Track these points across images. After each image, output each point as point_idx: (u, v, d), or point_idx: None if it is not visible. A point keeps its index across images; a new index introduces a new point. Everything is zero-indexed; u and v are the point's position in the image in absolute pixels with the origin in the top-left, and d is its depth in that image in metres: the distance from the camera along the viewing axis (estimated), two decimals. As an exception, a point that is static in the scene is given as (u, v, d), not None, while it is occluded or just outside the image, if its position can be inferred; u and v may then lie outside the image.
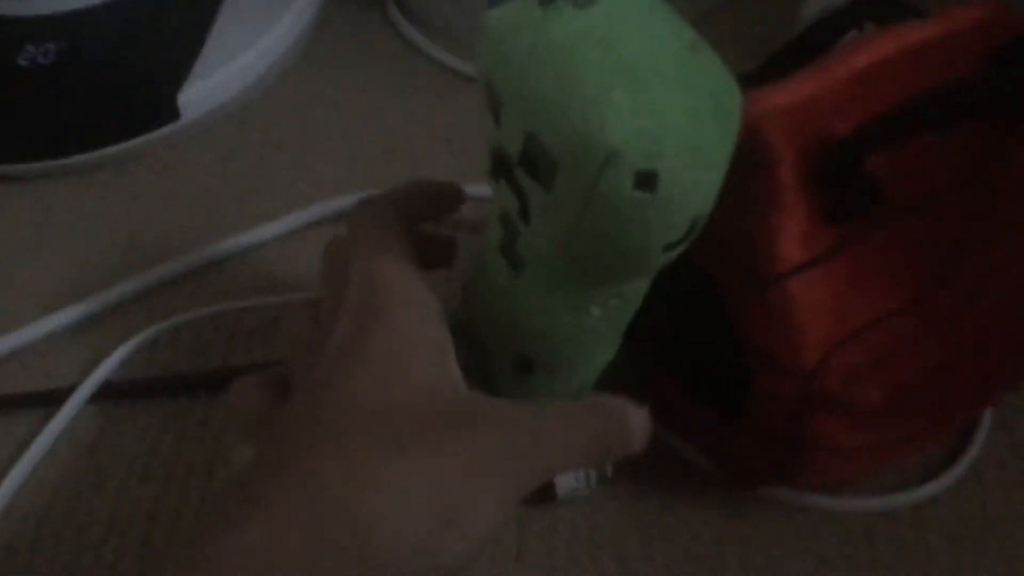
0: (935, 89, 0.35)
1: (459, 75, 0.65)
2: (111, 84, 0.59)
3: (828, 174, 0.35)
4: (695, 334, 0.40)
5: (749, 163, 0.35)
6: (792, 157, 0.35)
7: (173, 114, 0.59)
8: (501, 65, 0.31)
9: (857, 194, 0.35)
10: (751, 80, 0.35)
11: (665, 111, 0.30)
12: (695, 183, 0.30)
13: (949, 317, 0.37)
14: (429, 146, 0.61)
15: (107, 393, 0.49)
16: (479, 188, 0.55)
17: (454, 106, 0.63)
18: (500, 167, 0.33)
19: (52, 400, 0.49)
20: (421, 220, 0.39)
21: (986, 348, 0.39)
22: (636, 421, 0.35)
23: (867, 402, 0.35)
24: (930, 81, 0.37)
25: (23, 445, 0.47)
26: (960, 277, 0.38)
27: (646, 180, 0.29)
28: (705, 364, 0.40)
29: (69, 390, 0.49)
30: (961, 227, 0.38)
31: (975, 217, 0.38)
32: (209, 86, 0.60)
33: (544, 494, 0.43)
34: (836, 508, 0.43)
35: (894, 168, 0.36)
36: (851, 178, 0.35)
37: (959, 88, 0.35)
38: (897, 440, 0.39)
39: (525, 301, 0.36)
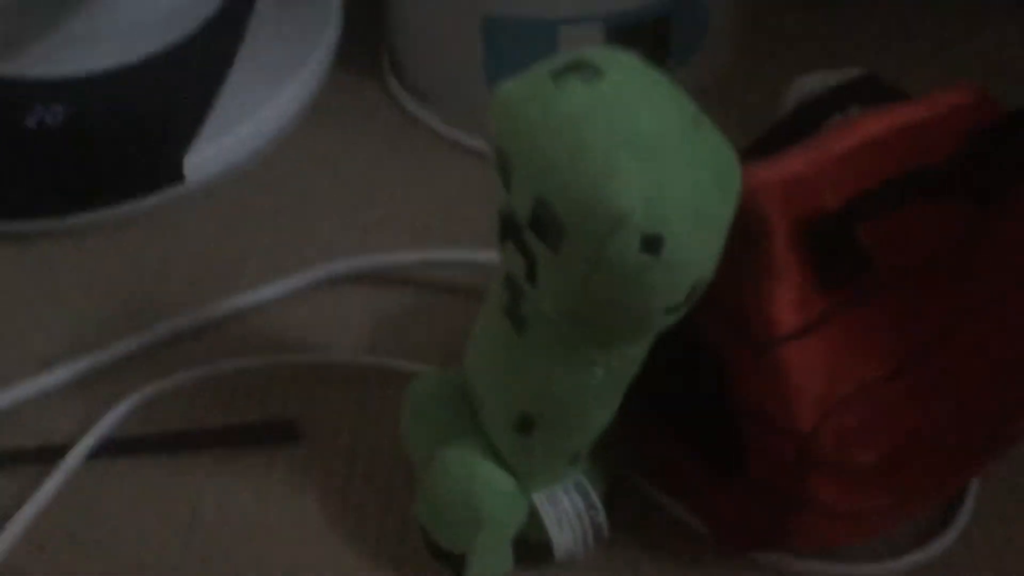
0: (918, 168, 0.37)
1: (456, 146, 0.67)
2: (117, 146, 0.60)
3: (820, 244, 0.37)
4: (692, 394, 0.41)
5: (745, 233, 0.37)
6: (785, 228, 0.37)
7: (178, 176, 0.60)
8: (513, 133, 0.33)
9: (848, 262, 0.37)
10: (743, 157, 0.37)
11: (670, 179, 0.31)
12: (698, 247, 0.32)
13: (935, 386, 0.39)
14: (427, 213, 0.62)
15: (106, 450, 0.50)
16: (475, 254, 0.58)
17: (451, 175, 0.65)
18: (509, 230, 0.35)
19: (50, 456, 0.49)
20: None
21: (973, 418, 0.40)
22: None
23: (860, 463, 0.36)
24: (915, 159, 0.39)
25: (20, 500, 0.47)
26: (947, 347, 0.39)
27: (652, 243, 0.31)
28: (701, 423, 0.42)
29: (67, 446, 0.49)
30: (947, 298, 0.39)
31: (960, 289, 0.39)
32: (215, 150, 0.61)
33: (541, 555, 0.43)
34: (828, 573, 0.44)
35: (882, 239, 0.37)
36: (842, 247, 0.37)
37: (941, 169, 0.37)
38: (889, 505, 0.40)
39: (528, 360, 0.38)
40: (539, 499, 0.42)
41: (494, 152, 0.34)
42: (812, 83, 0.46)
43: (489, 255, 0.53)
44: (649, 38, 0.64)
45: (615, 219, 0.31)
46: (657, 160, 0.31)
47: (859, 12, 0.75)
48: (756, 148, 0.41)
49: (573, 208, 0.31)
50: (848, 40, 0.73)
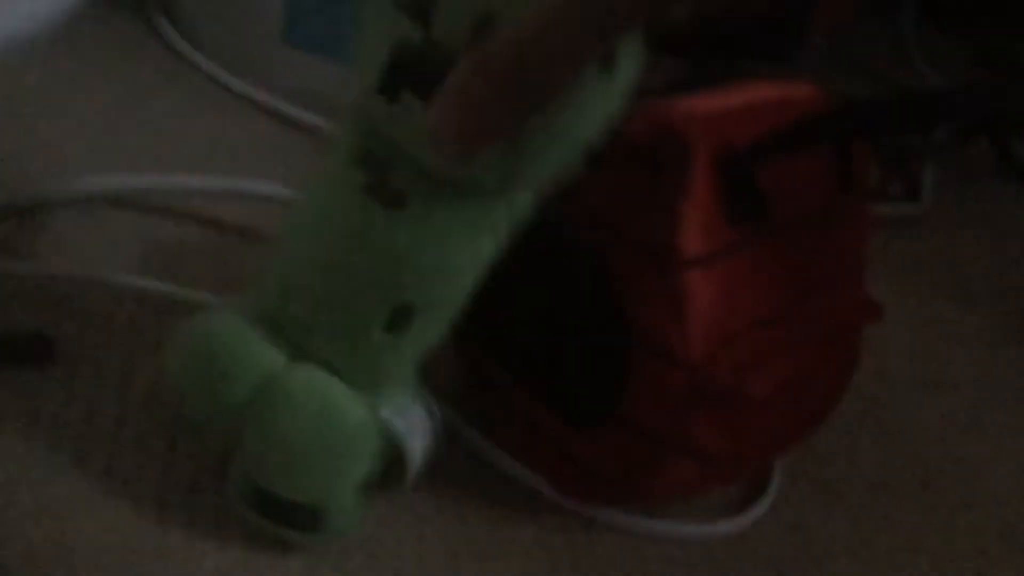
0: (812, 117, 0.40)
1: (218, 83, 0.64)
2: None
3: (729, 178, 0.37)
4: (570, 325, 0.39)
5: (666, 156, 0.37)
6: (704, 157, 0.37)
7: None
8: None
9: (750, 200, 0.38)
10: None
11: None
12: None
13: (800, 338, 0.40)
14: (191, 145, 0.58)
15: None
16: (248, 184, 0.54)
17: (216, 111, 0.61)
18: (410, 72, 0.31)
19: None
20: None
21: (821, 376, 0.42)
22: None
23: (753, 395, 0.37)
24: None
25: None
26: (805, 307, 0.41)
27: None
28: (570, 362, 0.40)
29: None
30: (813, 261, 0.41)
31: (820, 256, 0.42)
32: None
33: (391, 480, 0.38)
34: (659, 531, 0.43)
35: (777, 189, 0.39)
36: (746, 185, 0.38)
37: (837, 112, 0.40)
38: (750, 452, 0.40)
39: (414, 239, 0.34)
40: (389, 414, 0.37)
41: None
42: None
43: (260, 187, 0.54)
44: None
45: None
46: None
47: None
48: (665, 91, 0.41)
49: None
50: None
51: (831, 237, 0.42)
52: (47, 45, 0.61)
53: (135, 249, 0.50)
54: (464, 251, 0.34)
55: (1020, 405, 0.57)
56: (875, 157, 0.72)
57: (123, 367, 0.44)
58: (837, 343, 0.43)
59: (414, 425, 0.37)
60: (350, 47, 0.34)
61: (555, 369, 0.41)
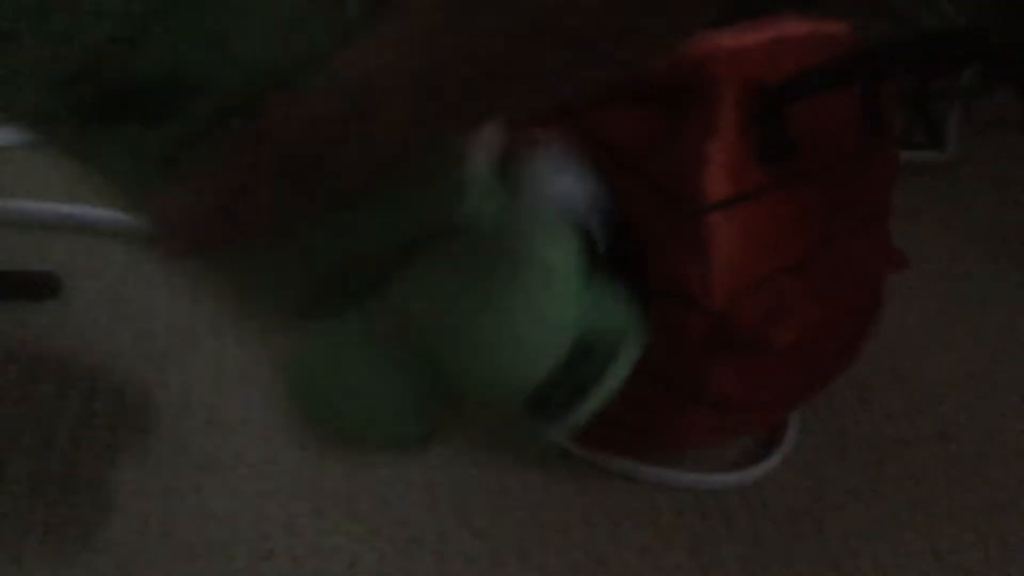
0: (853, 50, 0.38)
1: None
2: None
3: (760, 115, 0.36)
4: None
5: (691, 94, 0.35)
6: (732, 96, 0.35)
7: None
8: None
9: (780, 138, 0.36)
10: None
11: None
12: None
13: (824, 286, 0.39)
14: None
15: None
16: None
17: None
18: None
19: None
20: None
21: (844, 326, 0.41)
22: None
23: (778, 341, 0.35)
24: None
25: None
26: (829, 253, 0.40)
27: None
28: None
29: None
30: (838, 206, 0.40)
31: (846, 201, 0.40)
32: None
33: None
34: (672, 482, 0.43)
35: (807, 130, 0.37)
36: (774, 125, 0.36)
37: (872, 48, 0.38)
38: (771, 402, 0.39)
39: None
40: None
41: None
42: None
43: None
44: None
45: None
46: None
47: None
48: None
49: None
50: None
51: (857, 181, 0.41)
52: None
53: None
54: None
55: (1041, 359, 0.57)
56: (899, 103, 0.70)
57: (115, 303, 0.43)
58: (860, 291, 0.42)
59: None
60: None
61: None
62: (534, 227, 0.27)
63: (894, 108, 0.42)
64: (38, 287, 0.41)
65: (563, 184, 0.27)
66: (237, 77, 0.20)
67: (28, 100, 0.20)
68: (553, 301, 0.27)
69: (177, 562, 0.36)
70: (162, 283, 0.45)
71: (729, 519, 0.42)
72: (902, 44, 0.37)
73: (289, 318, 0.26)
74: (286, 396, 0.27)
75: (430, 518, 0.39)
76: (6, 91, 0.21)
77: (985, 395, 0.53)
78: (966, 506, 0.46)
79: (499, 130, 0.25)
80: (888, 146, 0.42)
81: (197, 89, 0.20)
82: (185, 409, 0.40)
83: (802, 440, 0.47)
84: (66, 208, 0.45)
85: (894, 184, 0.42)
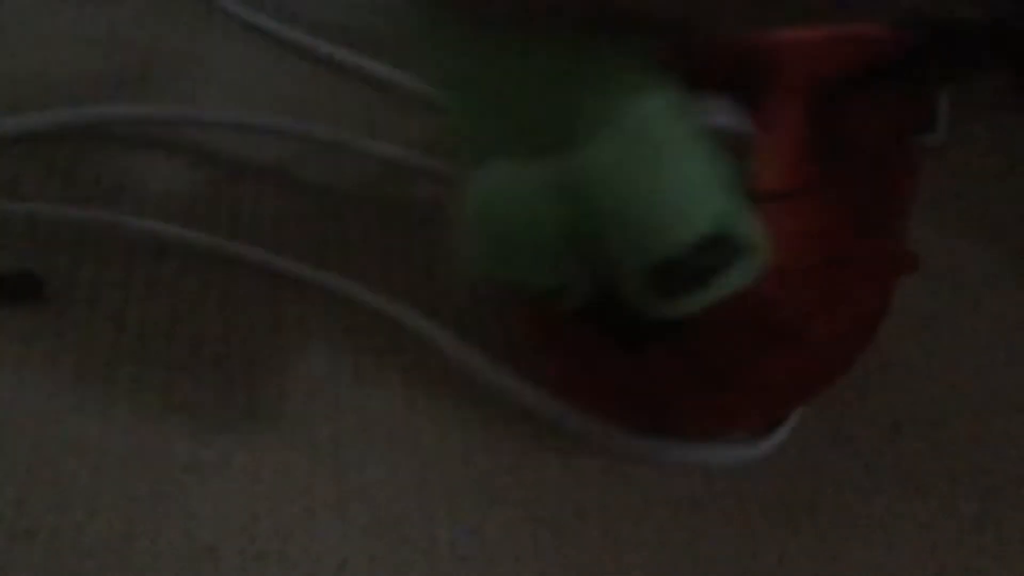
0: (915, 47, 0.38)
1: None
2: None
3: (816, 111, 0.36)
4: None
5: (750, 84, 0.35)
6: (790, 88, 0.35)
7: None
8: None
9: (833, 135, 0.36)
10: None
11: None
12: None
13: (858, 281, 0.39)
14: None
15: None
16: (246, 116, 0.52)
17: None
18: None
19: None
20: None
21: (865, 319, 0.41)
22: None
23: (818, 334, 0.36)
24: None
25: None
26: (863, 250, 0.40)
27: None
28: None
29: None
30: (874, 203, 0.40)
31: (880, 198, 0.40)
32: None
33: None
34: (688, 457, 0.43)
35: (857, 125, 0.37)
36: (831, 120, 0.36)
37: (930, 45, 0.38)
38: (799, 390, 0.40)
39: None
40: None
41: None
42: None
43: (258, 120, 0.52)
44: None
45: None
46: None
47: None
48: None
49: None
50: None
51: (891, 179, 0.40)
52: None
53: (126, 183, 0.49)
54: None
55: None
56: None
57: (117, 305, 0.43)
58: (882, 289, 0.42)
59: None
60: None
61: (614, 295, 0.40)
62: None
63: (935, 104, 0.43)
64: (19, 287, 0.40)
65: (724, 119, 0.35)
66: None
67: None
68: (711, 178, 0.32)
69: (164, 565, 0.35)
70: (143, 283, 0.44)
71: (724, 511, 0.42)
72: (973, 35, 0.38)
73: (494, 151, 0.33)
74: (469, 223, 0.34)
75: (421, 519, 0.38)
76: None
77: (979, 382, 0.53)
78: (962, 497, 0.46)
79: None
80: (915, 144, 0.42)
81: None
82: (169, 410, 0.40)
83: (798, 427, 0.47)
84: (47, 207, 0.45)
85: (919, 183, 0.42)
